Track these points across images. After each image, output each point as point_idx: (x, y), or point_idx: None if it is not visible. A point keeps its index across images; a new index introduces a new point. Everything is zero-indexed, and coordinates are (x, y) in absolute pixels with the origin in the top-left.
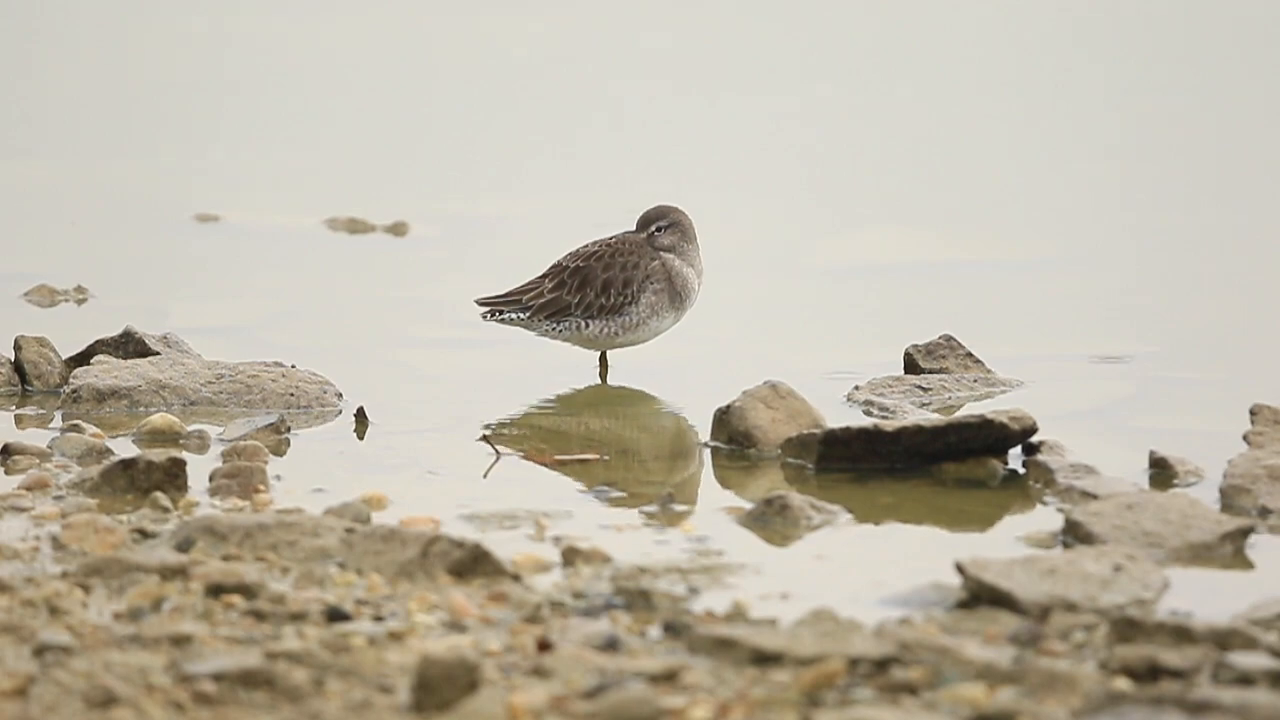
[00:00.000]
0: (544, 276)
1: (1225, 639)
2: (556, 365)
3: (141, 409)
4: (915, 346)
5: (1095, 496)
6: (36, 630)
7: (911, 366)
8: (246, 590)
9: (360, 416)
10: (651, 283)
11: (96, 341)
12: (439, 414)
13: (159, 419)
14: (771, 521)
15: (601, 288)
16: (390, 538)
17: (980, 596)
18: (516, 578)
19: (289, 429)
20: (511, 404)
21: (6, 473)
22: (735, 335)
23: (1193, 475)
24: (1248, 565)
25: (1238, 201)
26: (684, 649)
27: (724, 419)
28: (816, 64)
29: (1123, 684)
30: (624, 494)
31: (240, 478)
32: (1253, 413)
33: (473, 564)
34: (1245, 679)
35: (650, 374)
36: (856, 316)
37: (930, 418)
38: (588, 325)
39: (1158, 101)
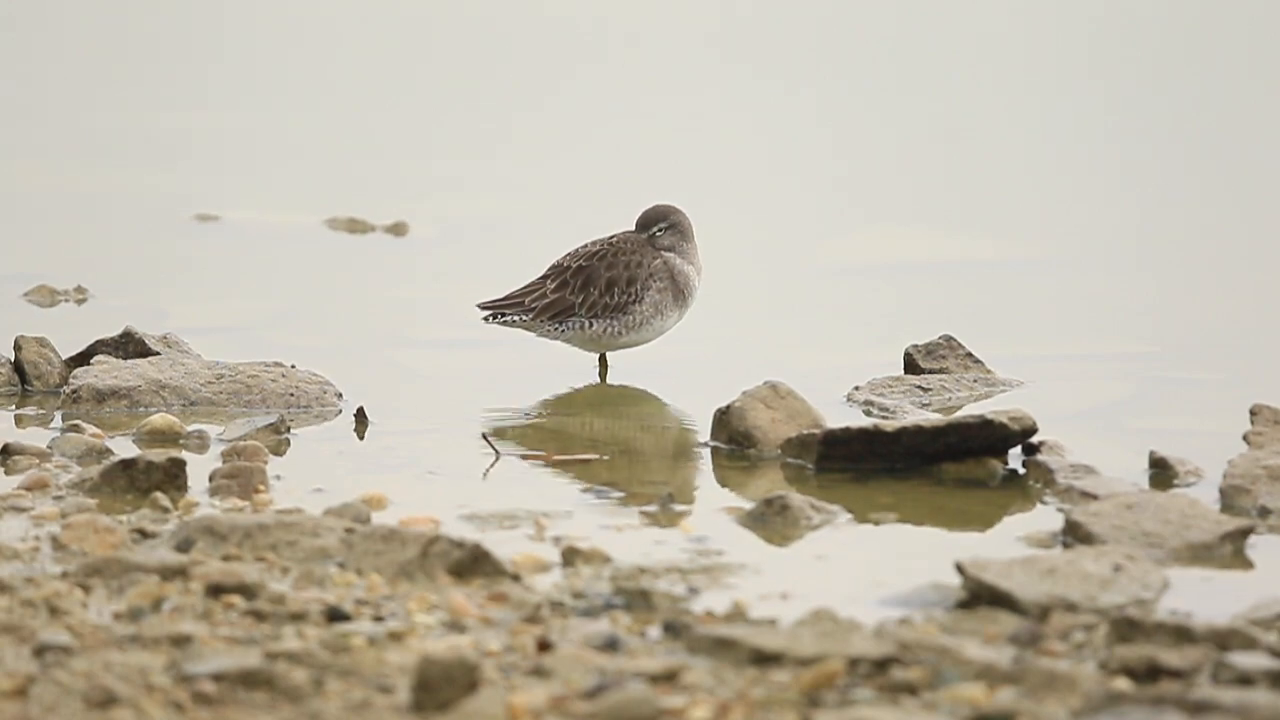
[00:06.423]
0: (545, 277)
1: (1225, 639)
2: (556, 365)
3: (141, 409)
4: (915, 346)
5: (1095, 496)
6: (36, 630)
7: (911, 366)
8: (246, 590)
9: (360, 416)
10: (655, 280)
11: (96, 341)
12: (439, 414)
13: (159, 419)
14: (771, 521)
15: (605, 286)
16: (390, 538)
17: (980, 596)
18: (516, 578)
19: (289, 429)
20: (511, 404)
21: (6, 473)
22: (735, 335)
23: (1193, 475)
24: (1247, 565)
25: (1238, 202)
26: (684, 649)
27: (724, 419)
28: (819, 64)
29: (1122, 684)
30: (624, 494)
31: (240, 478)
32: (1253, 413)
33: (473, 564)
34: (1245, 679)
35: (650, 374)
36: (856, 316)
37: (930, 418)
38: (591, 325)
39: (1159, 101)
